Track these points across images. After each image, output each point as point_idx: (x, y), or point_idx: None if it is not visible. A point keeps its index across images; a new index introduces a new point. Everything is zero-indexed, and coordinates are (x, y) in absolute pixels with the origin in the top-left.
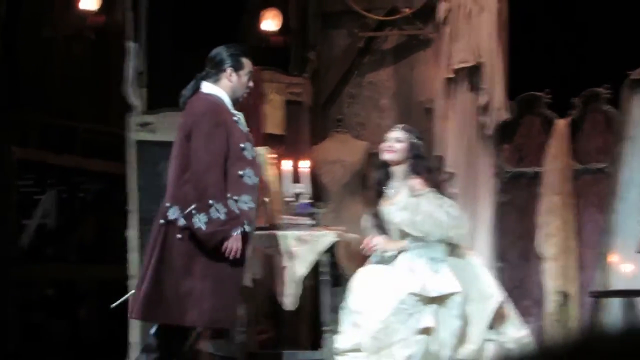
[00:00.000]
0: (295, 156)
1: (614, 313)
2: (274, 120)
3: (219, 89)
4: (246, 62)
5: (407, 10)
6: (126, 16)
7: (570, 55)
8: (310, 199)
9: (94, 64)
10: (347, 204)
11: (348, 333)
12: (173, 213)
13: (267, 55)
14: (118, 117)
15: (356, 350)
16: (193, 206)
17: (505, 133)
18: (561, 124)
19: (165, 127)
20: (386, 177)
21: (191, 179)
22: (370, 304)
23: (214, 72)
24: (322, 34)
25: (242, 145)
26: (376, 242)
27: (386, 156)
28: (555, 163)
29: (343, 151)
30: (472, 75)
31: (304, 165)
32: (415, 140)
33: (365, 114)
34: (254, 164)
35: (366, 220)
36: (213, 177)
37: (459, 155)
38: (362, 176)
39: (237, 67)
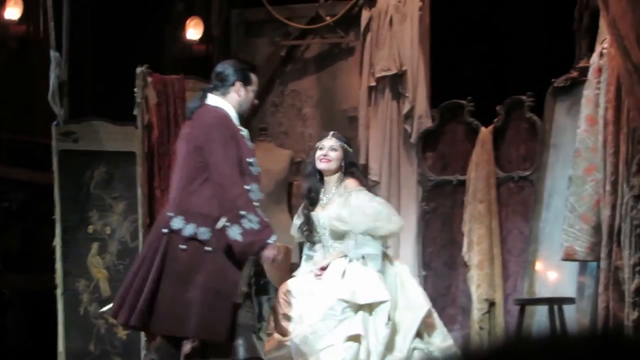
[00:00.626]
0: None
1: (539, 321)
2: None
3: (226, 102)
4: (254, 79)
5: (329, 19)
6: (48, 25)
7: (494, 62)
8: None
9: (17, 73)
10: (272, 212)
11: (276, 340)
12: (178, 223)
13: (190, 64)
14: (43, 126)
15: (285, 356)
16: (225, 219)
17: (428, 141)
18: (485, 132)
19: (88, 137)
20: (318, 185)
21: (213, 193)
22: (299, 310)
23: (222, 85)
24: (244, 43)
25: (249, 160)
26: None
27: (322, 165)
28: (479, 171)
29: (267, 160)
30: (394, 83)
31: None
32: (347, 148)
33: (289, 122)
34: (258, 180)
35: (295, 228)
36: (239, 187)
37: (382, 164)
38: (286, 185)
39: (246, 82)
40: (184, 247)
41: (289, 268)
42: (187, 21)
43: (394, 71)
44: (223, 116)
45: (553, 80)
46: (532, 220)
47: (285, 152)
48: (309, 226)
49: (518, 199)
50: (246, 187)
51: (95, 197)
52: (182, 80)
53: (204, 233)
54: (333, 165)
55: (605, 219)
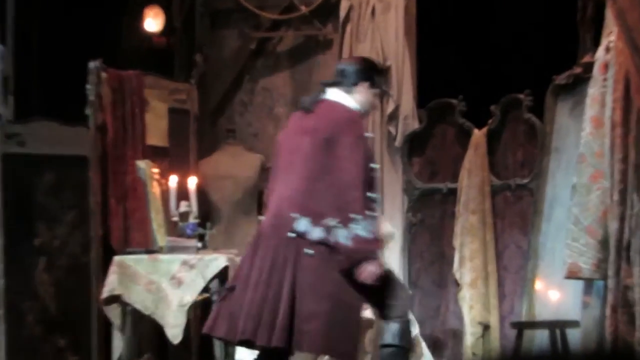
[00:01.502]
0: (181, 171)
1: (539, 346)
2: (156, 131)
3: (351, 100)
4: (380, 82)
5: (305, 8)
6: None
7: (488, 57)
8: (198, 218)
9: None
10: (240, 223)
11: None
12: (303, 225)
13: (149, 58)
14: None
15: None
16: (337, 220)
17: (415, 145)
18: (478, 135)
19: (35, 139)
20: None
21: (332, 190)
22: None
23: (346, 83)
24: (210, 34)
25: (372, 165)
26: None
27: None
28: (471, 178)
29: (234, 165)
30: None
31: (191, 182)
32: None
33: (259, 123)
34: (377, 187)
35: None
36: (358, 191)
37: None
38: (256, 193)
39: (372, 84)
40: (310, 252)
41: None
42: (146, 11)
43: None
44: (356, 113)
45: (554, 77)
46: (531, 234)
47: (255, 156)
48: None
49: (515, 210)
50: (370, 194)
51: (43, 206)
52: (140, 76)
53: (328, 238)
54: None
55: (613, 233)
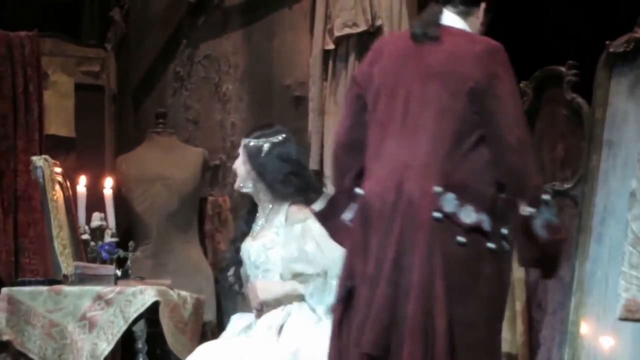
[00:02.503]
0: (94, 171)
1: None
2: (59, 115)
3: (468, 28)
4: (493, 6)
5: None
6: None
7: (515, 16)
8: (116, 236)
9: None
10: (175, 243)
11: None
12: (450, 203)
13: (49, 15)
14: None
15: None
16: (529, 207)
17: None
18: None
19: None
20: (252, 209)
21: (509, 161)
22: None
23: (464, 3)
24: None
25: None
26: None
27: (235, 186)
28: None
29: (167, 163)
30: (363, 46)
31: (107, 185)
32: (262, 155)
33: (201, 105)
34: None
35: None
36: (538, 160)
37: None
38: (196, 202)
39: (489, 7)
40: (462, 240)
41: (199, 329)
42: None
43: (362, 28)
44: (499, 45)
45: (608, 42)
46: (575, 259)
47: (195, 151)
48: (234, 268)
49: None
50: None
51: None
52: (35, 39)
53: (485, 221)
54: (240, 181)
55: None
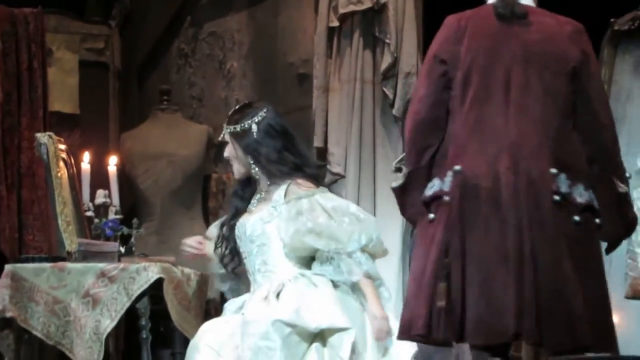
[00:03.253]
0: (98, 148)
1: None
2: (63, 92)
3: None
4: None
5: None
6: None
7: None
8: (120, 213)
9: None
10: (179, 220)
11: None
12: (564, 184)
13: None
14: None
15: None
16: (621, 183)
17: None
18: None
19: None
20: (247, 187)
21: (601, 139)
22: None
23: None
24: None
25: None
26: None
27: (235, 172)
28: None
29: (171, 140)
30: (368, 23)
31: (111, 162)
32: (251, 136)
33: (205, 82)
34: None
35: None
36: (617, 142)
37: (348, 148)
38: (201, 179)
39: None
40: (578, 219)
41: (203, 306)
42: None
43: (367, 5)
44: (582, 26)
45: (612, 20)
46: None
47: (199, 128)
48: (229, 246)
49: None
50: None
51: None
52: (40, 15)
53: (594, 199)
54: (234, 169)
55: None
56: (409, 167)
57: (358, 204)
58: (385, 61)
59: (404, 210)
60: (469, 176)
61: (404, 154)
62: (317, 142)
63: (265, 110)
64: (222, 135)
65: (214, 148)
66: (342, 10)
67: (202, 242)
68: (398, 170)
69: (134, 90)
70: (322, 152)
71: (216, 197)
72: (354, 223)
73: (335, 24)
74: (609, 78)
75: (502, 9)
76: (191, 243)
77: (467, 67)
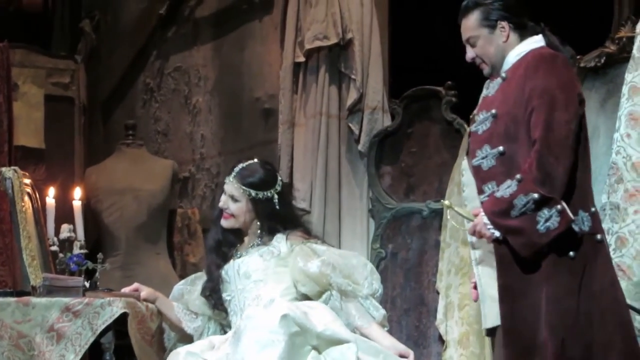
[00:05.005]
0: (63, 182)
1: None
2: (29, 127)
3: None
4: None
5: None
6: None
7: None
8: (85, 248)
9: None
10: (144, 255)
11: None
12: None
13: (18, 25)
14: None
15: None
16: None
17: (386, 148)
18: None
19: None
20: (231, 238)
21: None
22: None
23: None
24: None
25: None
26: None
27: (223, 223)
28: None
29: (136, 175)
30: (334, 59)
31: (76, 197)
32: (259, 194)
33: (170, 117)
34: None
35: (179, 293)
36: None
37: (314, 183)
38: (166, 214)
39: None
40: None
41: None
42: None
43: (333, 40)
44: None
45: (579, 57)
46: None
47: (164, 162)
48: (216, 291)
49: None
50: None
51: None
52: (6, 50)
53: None
54: (235, 222)
55: None
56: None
57: (323, 239)
58: (351, 97)
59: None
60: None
61: None
62: (283, 177)
63: (279, 177)
64: (230, 180)
65: (179, 183)
66: (308, 46)
67: (137, 289)
68: None
69: (100, 125)
70: (288, 187)
71: (181, 231)
72: (365, 270)
73: (301, 59)
74: None
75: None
76: (126, 290)
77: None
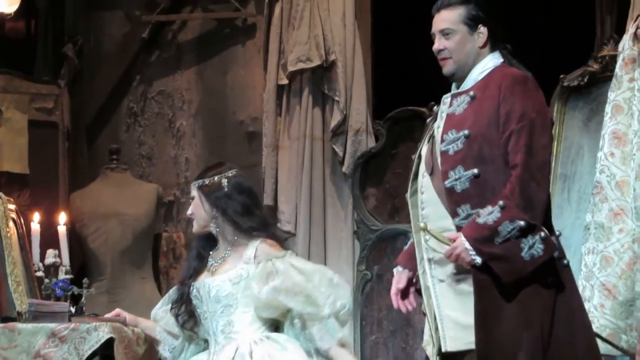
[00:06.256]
0: (47, 207)
1: None
2: (13, 152)
3: None
4: None
5: None
6: None
7: None
8: (70, 273)
9: None
10: (129, 280)
11: None
12: None
13: (2, 51)
14: None
15: None
16: None
17: (370, 170)
18: None
19: None
20: (206, 245)
21: None
22: None
23: None
24: (85, 18)
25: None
26: None
27: (194, 229)
28: None
29: (121, 199)
30: (317, 81)
31: (61, 222)
32: (221, 190)
33: (155, 141)
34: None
35: (158, 317)
36: None
37: (298, 205)
38: (151, 238)
39: None
40: None
41: None
42: None
43: (316, 62)
44: None
45: (562, 76)
46: None
47: (149, 186)
48: (185, 306)
49: None
50: None
51: None
52: None
53: None
54: (197, 223)
55: None
56: None
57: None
58: (335, 118)
59: None
60: None
61: None
62: (267, 200)
63: (235, 170)
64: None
65: (164, 207)
66: (291, 68)
67: (119, 315)
68: None
69: (84, 150)
70: (272, 210)
71: (166, 255)
72: (330, 287)
73: (285, 81)
74: (559, 134)
75: None
76: (109, 315)
77: None
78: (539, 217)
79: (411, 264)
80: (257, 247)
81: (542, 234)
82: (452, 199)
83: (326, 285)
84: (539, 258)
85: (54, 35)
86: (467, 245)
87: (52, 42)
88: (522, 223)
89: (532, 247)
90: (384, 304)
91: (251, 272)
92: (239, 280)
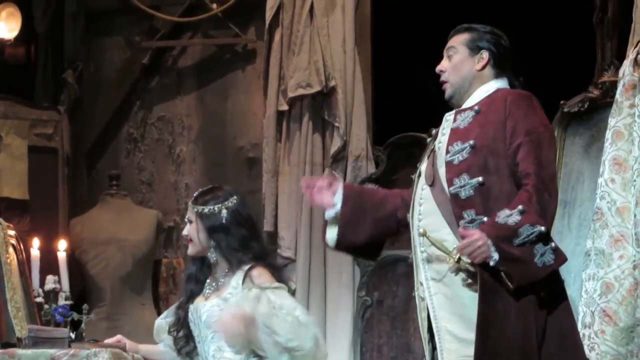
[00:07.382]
0: (47, 233)
1: None
2: (13, 178)
3: None
4: None
5: (216, 7)
6: None
7: None
8: (70, 299)
9: None
10: (129, 306)
11: None
12: None
13: (2, 77)
14: None
15: None
16: None
17: None
18: None
19: None
20: (204, 270)
21: None
22: None
23: None
24: (86, 43)
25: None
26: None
27: (189, 251)
28: None
29: (121, 225)
30: (317, 106)
31: (61, 248)
32: (219, 221)
33: (155, 167)
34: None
35: (161, 331)
36: None
37: (299, 231)
38: (151, 264)
39: None
40: None
41: None
42: None
43: (316, 88)
44: None
45: (562, 102)
46: None
47: (149, 212)
48: (183, 330)
49: None
50: None
51: None
52: None
53: None
54: (194, 247)
55: None
56: None
57: (309, 287)
58: (335, 144)
59: None
60: None
61: None
62: (267, 227)
63: (235, 197)
64: (190, 206)
65: (164, 233)
66: (291, 94)
67: (119, 341)
68: None
69: (84, 175)
70: (272, 236)
71: (166, 282)
72: (293, 325)
73: (285, 107)
74: (559, 160)
75: None
76: (109, 341)
77: None
78: (549, 227)
79: (351, 191)
80: (245, 274)
81: (553, 244)
82: (458, 204)
83: (290, 321)
84: (550, 266)
85: (54, 61)
86: (489, 240)
87: (52, 68)
88: (542, 229)
89: (544, 255)
90: (384, 330)
91: (236, 298)
92: (225, 306)
